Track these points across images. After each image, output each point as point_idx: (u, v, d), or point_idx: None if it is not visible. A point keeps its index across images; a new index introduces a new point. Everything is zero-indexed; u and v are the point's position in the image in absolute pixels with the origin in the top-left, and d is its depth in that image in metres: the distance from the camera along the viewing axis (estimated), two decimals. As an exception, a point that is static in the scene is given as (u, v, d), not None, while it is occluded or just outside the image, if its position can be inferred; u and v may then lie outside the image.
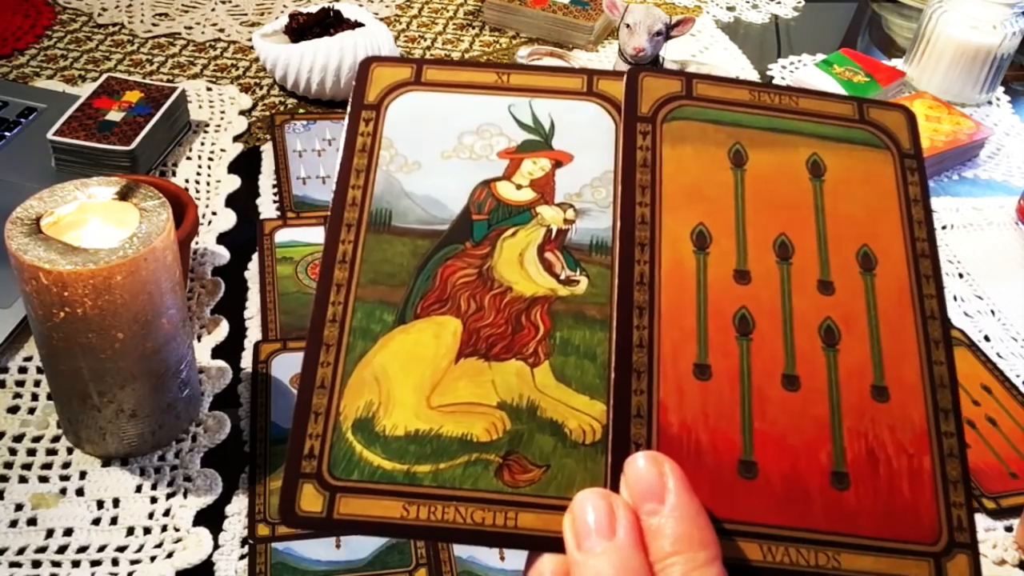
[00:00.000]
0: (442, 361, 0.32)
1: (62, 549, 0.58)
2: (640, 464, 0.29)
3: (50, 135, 0.85)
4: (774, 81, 1.16)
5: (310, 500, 0.30)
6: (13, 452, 0.63)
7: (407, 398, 0.32)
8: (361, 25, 1.04)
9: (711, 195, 0.35)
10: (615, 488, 0.30)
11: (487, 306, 0.33)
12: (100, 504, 0.60)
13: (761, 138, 0.36)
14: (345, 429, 0.31)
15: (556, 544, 0.29)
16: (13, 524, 0.59)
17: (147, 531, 0.59)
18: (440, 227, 0.35)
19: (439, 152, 0.36)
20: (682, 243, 0.34)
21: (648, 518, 0.28)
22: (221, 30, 1.17)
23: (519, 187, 0.36)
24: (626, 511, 0.28)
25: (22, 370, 0.69)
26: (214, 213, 0.86)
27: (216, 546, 0.59)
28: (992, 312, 0.82)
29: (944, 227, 0.92)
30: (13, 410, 0.66)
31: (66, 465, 0.62)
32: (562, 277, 0.34)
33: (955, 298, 0.83)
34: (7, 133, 0.91)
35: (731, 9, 1.34)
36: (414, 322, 0.33)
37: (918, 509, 0.31)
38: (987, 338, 0.79)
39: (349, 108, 0.37)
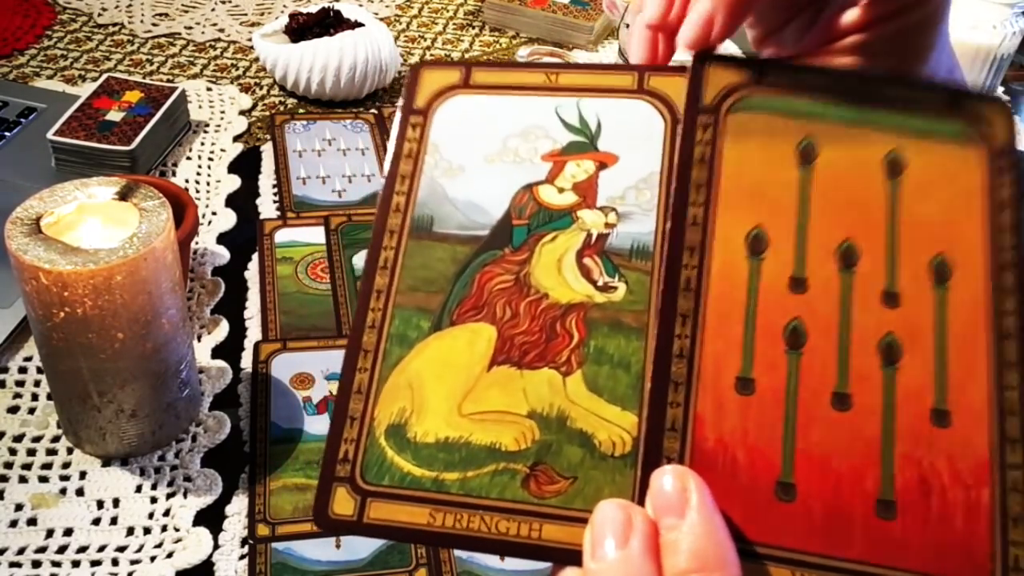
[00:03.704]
0: (475, 368, 0.32)
1: (62, 549, 0.58)
2: (665, 478, 0.28)
3: (50, 135, 0.85)
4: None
5: (343, 504, 0.30)
6: (13, 452, 0.63)
7: (439, 405, 0.31)
8: (361, 25, 1.04)
9: (773, 194, 0.32)
10: (643, 502, 0.29)
11: (522, 313, 0.33)
12: (100, 504, 0.60)
13: (835, 131, 0.33)
14: (378, 435, 0.31)
15: (579, 557, 0.28)
16: (13, 524, 0.59)
17: (147, 531, 0.59)
18: (480, 232, 0.34)
19: (483, 156, 0.36)
20: (735, 247, 0.32)
21: (667, 533, 0.27)
22: (221, 30, 1.17)
23: (561, 190, 0.35)
24: (644, 522, 0.28)
25: (22, 370, 0.69)
26: (214, 213, 0.86)
27: (216, 546, 0.59)
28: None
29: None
30: (13, 410, 0.66)
31: (66, 465, 0.62)
32: (600, 283, 0.33)
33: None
34: (7, 133, 0.91)
35: (731, 9, 1.34)
36: (449, 329, 0.33)
37: (971, 545, 0.28)
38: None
39: (399, 114, 0.37)
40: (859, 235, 0.32)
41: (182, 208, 0.72)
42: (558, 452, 0.30)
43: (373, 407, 0.32)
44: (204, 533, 0.59)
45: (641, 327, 0.32)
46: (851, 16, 0.35)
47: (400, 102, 0.37)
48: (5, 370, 0.69)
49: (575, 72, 0.37)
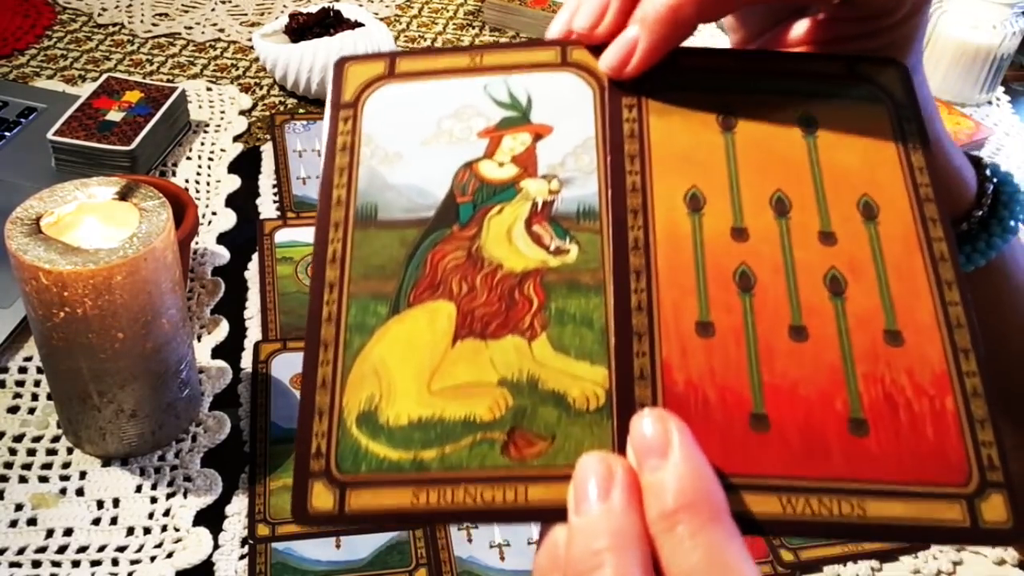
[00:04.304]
0: (439, 345, 0.32)
1: (62, 549, 0.58)
2: (644, 422, 0.28)
3: (50, 135, 0.85)
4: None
5: (321, 498, 0.30)
6: (13, 452, 0.63)
7: (408, 386, 0.31)
8: (361, 25, 1.04)
9: (702, 159, 0.35)
10: (623, 451, 0.29)
11: (479, 286, 0.33)
12: (100, 504, 0.60)
13: (749, 100, 0.36)
14: (349, 424, 0.31)
15: (566, 515, 0.29)
16: (13, 524, 0.59)
17: (147, 531, 0.59)
18: (426, 214, 0.34)
19: (419, 140, 0.36)
20: (675, 206, 0.34)
21: (651, 474, 0.27)
22: (221, 30, 1.17)
23: (501, 164, 0.35)
24: (624, 472, 0.28)
25: (22, 370, 0.69)
26: (214, 213, 0.86)
27: (216, 546, 0.59)
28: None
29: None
30: (13, 410, 0.66)
31: (66, 465, 0.62)
32: (552, 248, 0.33)
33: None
34: (7, 133, 0.92)
35: (731, 9, 1.34)
36: (408, 311, 0.33)
37: (945, 451, 0.29)
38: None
39: (328, 109, 0.37)
40: (787, 187, 0.34)
41: (182, 208, 0.72)
42: (533, 415, 0.30)
43: (340, 398, 0.31)
44: (204, 533, 0.59)
45: (598, 284, 0.32)
46: (798, 30, 0.38)
47: (328, 99, 0.37)
48: (5, 370, 0.69)
49: (498, 52, 0.38)
